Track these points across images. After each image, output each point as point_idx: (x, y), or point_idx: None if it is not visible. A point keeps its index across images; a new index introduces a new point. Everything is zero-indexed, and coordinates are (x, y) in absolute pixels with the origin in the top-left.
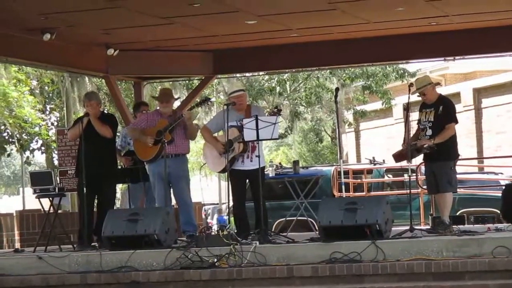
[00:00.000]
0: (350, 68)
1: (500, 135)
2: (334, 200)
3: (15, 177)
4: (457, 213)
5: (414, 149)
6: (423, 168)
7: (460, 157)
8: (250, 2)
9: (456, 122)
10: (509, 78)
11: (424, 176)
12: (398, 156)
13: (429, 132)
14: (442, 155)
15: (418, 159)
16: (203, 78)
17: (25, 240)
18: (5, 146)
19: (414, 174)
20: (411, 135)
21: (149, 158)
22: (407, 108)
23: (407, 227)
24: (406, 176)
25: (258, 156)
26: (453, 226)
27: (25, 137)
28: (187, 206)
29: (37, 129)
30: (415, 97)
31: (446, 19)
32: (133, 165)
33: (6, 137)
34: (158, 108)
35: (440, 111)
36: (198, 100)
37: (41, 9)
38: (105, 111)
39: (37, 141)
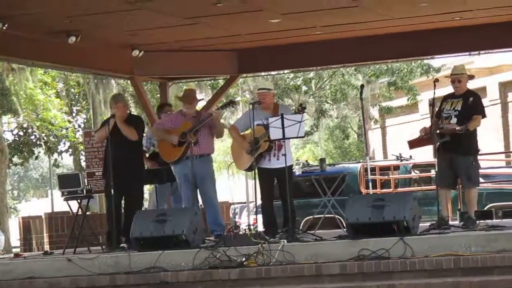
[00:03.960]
0: (375, 65)
1: None
2: (361, 197)
3: (43, 179)
4: (485, 208)
5: (437, 134)
6: None
7: (480, 152)
8: (274, 0)
9: (484, 116)
10: None
11: (437, 168)
12: (414, 143)
13: (454, 120)
14: (462, 150)
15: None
16: (228, 77)
17: (54, 242)
18: (33, 148)
19: None
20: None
21: (173, 159)
22: (432, 104)
23: (435, 223)
24: (433, 172)
25: (285, 155)
26: (482, 221)
27: (53, 139)
28: (213, 206)
29: (64, 131)
30: (440, 92)
31: (470, 14)
32: (158, 166)
33: (34, 140)
34: (182, 109)
35: (470, 101)
36: (224, 101)
37: (65, 12)
38: (132, 113)
39: (64, 143)
